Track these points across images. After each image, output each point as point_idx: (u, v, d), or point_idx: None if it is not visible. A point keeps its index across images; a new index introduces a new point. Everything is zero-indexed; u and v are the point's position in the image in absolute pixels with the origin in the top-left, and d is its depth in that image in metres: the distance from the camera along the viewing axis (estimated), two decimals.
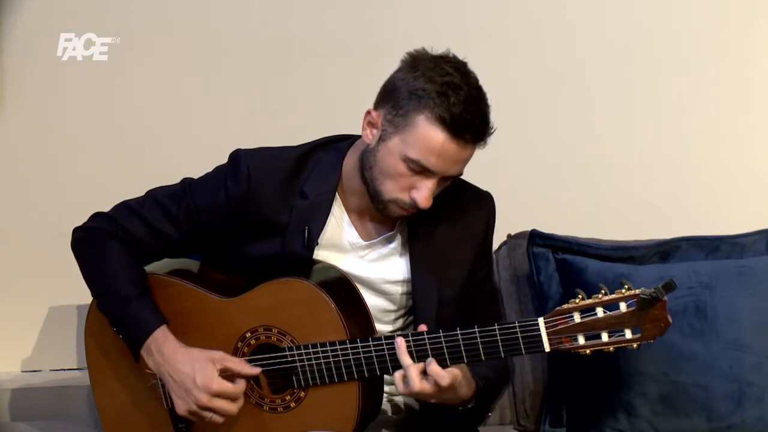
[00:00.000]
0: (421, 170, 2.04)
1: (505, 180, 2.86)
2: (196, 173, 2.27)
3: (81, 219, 2.26)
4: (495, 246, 2.65)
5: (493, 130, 2.07)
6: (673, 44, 2.95)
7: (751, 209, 2.90)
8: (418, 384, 2.00)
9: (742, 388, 2.47)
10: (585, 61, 2.94)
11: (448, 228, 2.21)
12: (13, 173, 2.84)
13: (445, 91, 2.01)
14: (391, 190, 2.08)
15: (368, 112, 2.11)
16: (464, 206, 2.24)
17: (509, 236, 2.73)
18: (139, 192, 2.26)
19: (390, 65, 2.16)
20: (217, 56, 2.87)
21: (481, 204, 2.27)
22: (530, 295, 2.67)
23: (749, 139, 2.97)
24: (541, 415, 2.61)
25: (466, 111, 2.01)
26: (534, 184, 2.92)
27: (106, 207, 2.26)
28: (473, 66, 2.10)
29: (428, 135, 2.02)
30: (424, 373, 2.01)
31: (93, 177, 2.83)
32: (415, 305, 2.20)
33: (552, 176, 2.93)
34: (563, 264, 2.61)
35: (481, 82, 2.08)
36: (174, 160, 2.78)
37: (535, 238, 2.65)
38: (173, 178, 2.27)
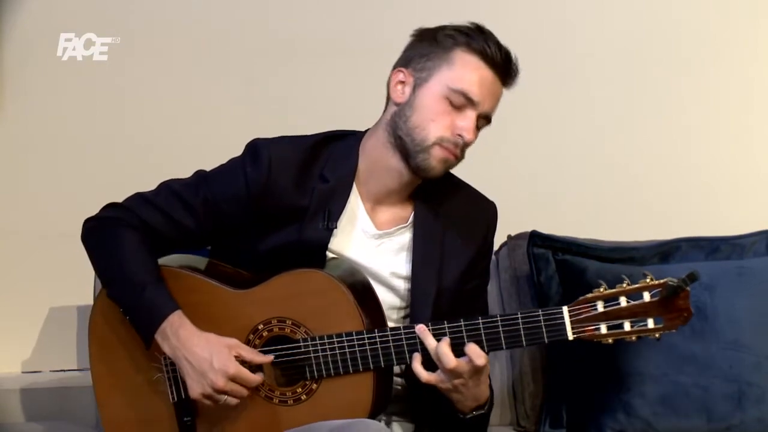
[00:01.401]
0: (463, 102, 2.09)
1: (505, 180, 2.86)
2: None
3: (80, 219, 2.24)
4: (495, 246, 2.66)
5: (518, 72, 2.15)
6: (673, 44, 2.95)
7: (751, 210, 2.90)
8: (454, 360, 1.99)
9: (742, 389, 2.47)
10: (585, 60, 2.95)
11: (452, 227, 2.21)
12: (13, 173, 2.83)
13: (477, 30, 2.13)
14: (435, 130, 2.10)
15: (396, 72, 2.15)
16: (468, 209, 2.25)
17: (509, 237, 2.73)
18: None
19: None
20: (217, 56, 2.87)
21: (484, 209, 2.28)
22: (530, 296, 2.66)
23: (749, 139, 2.97)
24: (541, 415, 2.61)
25: (497, 48, 2.12)
26: (534, 184, 2.93)
27: None
28: None
29: (470, 65, 2.10)
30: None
31: (93, 177, 2.82)
32: (413, 299, 2.18)
33: (552, 176, 2.93)
34: (563, 265, 2.61)
35: None
36: (174, 160, 2.77)
37: (535, 238, 2.65)
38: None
